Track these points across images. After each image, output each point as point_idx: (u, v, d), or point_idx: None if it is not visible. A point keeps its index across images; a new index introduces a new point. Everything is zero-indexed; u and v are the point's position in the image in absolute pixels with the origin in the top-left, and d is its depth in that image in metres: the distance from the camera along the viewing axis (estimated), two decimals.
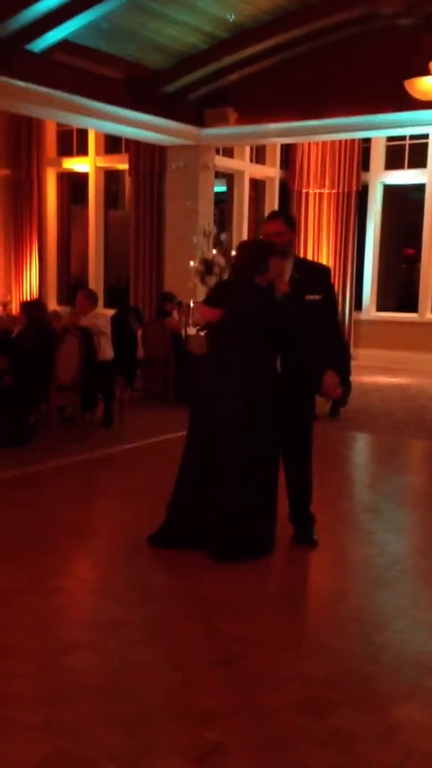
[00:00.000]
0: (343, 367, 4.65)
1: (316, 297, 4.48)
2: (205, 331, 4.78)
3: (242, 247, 4.88)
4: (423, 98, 9.24)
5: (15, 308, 12.95)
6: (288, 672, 3.25)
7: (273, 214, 4.82)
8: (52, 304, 13.92)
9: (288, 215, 4.87)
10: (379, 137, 13.19)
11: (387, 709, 2.98)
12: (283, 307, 4.46)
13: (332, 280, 5.01)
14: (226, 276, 10.56)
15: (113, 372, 8.02)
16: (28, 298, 13.31)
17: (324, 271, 4.91)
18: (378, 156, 13.68)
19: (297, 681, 3.18)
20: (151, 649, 3.40)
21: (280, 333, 4.43)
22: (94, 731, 2.80)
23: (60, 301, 14.41)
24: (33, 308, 7.65)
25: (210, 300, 4.64)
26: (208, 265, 10.45)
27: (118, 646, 3.43)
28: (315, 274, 4.64)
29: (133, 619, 3.70)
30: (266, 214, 14.36)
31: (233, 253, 11.83)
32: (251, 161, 13.97)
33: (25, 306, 7.80)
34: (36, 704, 2.95)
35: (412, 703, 3.04)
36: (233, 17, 9.71)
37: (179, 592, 4.09)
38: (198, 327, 4.59)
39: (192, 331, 9.79)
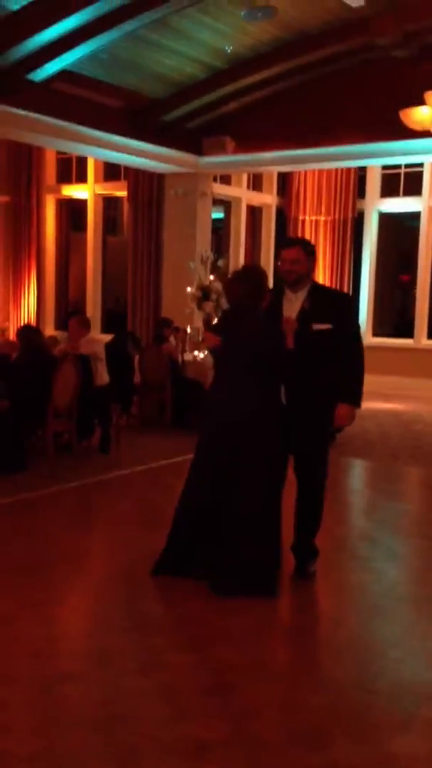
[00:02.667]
0: (355, 396, 4.49)
1: (324, 326, 4.35)
2: (213, 357, 4.71)
3: (237, 277, 4.65)
4: (418, 128, 9.34)
5: (13, 334, 12.98)
6: (283, 701, 3.24)
7: (291, 241, 4.59)
8: (50, 330, 13.96)
9: (307, 243, 4.63)
10: (374, 166, 13.33)
11: (384, 740, 2.97)
12: (271, 335, 4.36)
13: (351, 309, 4.79)
14: (222, 302, 10.63)
15: (110, 397, 8.03)
16: (24, 324, 13.34)
17: (340, 299, 4.78)
18: (374, 184, 13.81)
19: (293, 711, 3.16)
20: (145, 679, 3.38)
21: (266, 361, 4.37)
22: (88, 762, 2.78)
23: (58, 327, 14.45)
24: (27, 334, 7.67)
25: (215, 328, 4.64)
26: (205, 291, 10.50)
27: (112, 675, 3.41)
28: (329, 303, 4.46)
29: (127, 648, 3.68)
30: (263, 240, 14.56)
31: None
32: (248, 188, 14.10)
33: (20, 332, 7.83)
34: (29, 735, 2.93)
35: (409, 733, 3.02)
36: (231, 48, 9.85)
37: (173, 620, 4.07)
38: (209, 350, 4.59)
39: (189, 356, 9.82)
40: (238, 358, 4.40)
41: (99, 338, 9.07)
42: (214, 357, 4.65)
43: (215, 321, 5.04)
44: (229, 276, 5.03)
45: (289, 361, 4.35)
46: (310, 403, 4.44)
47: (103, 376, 8.03)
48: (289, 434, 4.43)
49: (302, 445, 4.51)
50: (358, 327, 4.68)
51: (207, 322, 10.44)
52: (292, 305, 4.47)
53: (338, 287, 13.60)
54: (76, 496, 6.50)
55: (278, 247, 4.81)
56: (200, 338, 9.95)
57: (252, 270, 4.74)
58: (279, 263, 4.56)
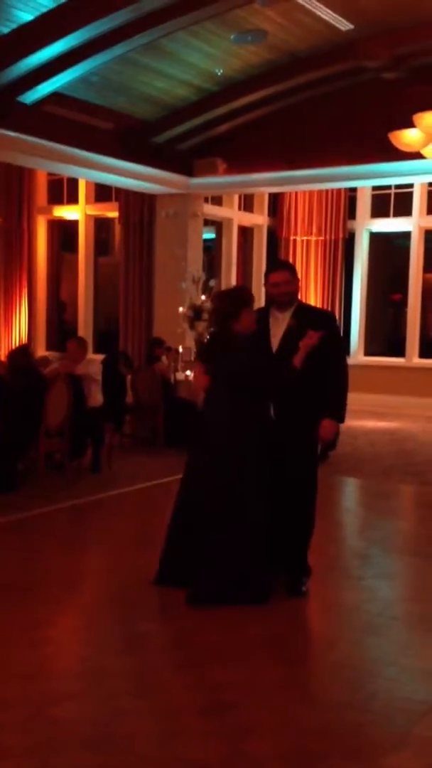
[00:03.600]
0: (340, 411, 4.59)
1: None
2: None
3: (216, 297, 4.98)
4: (407, 150, 9.44)
5: (3, 355, 12.97)
6: (278, 721, 3.22)
7: (280, 265, 4.79)
8: (41, 350, 13.96)
9: (292, 266, 4.85)
10: (365, 186, 13.45)
11: (377, 759, 2.95)
12: (250, 357, 4.46)
13: (336, 327, 4.92)
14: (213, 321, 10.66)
15: (102, 418, 8.02)
16: (16, 345, 13.35)
17: (325, 317, 4.90)
18: (364, 204, 13.93)
19: (287, 730, 3.14)
20: (140, 699, 3.37)
21: (247, 383, 4.44)
22: None
23: (49, 347, 14.45)
24: (16, 355, 7.68)
25: (201, 356, 4.73)
26: (196, 311, 10.54)
27: (106, 696, 3.39)
28: (314, 322, 4.55)
29: (121, 669, 3.66)
30: (254, 260, 14.63)
31: None
32: (240, 209, 14.19)
33: (10, 353, 7.86)
34: (25, 756, 2.91)
35: (403, 752, 3.01)
36: (222, 72, 9.96)
37: (168, 640, 4.06)
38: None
39: (181, 376, 9.83)
40: (226, 379, 4.49)
41: (94, 358, 9.08)
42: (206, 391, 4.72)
43: (200, 349, 5.12)
44: (214, 294, 5.31)
45: (291, 379, 4.41)
46: (299, 419, 4.52)
47: (96, 398, 8.02)
48: (279, 450, 4.49)
49: (292, 461, 4.56)
50: (342, 345, 4.86)
51: (199, 342, 10.47)
52: (279, 324, 4.59)
53: (330, 307, 13.67)
54: (68, 516, 6.48)
55: (268, 268, 4.86)
56: (191, 367, 9.94)
57: (232, 288, 4.95)
58: (269, 286, 4.65)
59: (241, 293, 4.67)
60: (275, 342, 4.56)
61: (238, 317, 4.48)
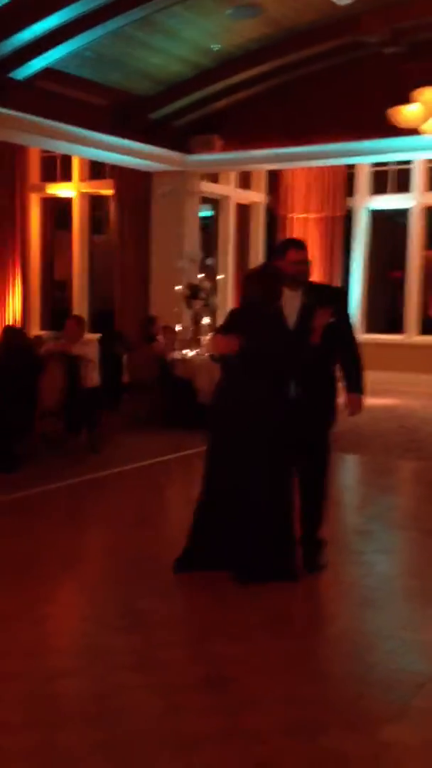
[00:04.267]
0: (361, 384, 4.67)
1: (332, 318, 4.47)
2: (219, 361, 4.71)
3: (253, 277, 4.69)
4: (406, 126, 9.35)
5: None
6: (277, 694, 3.23)
7: (298, 243, 4.71)
8: (36, 330, 13.89)
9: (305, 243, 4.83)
10: (363, 163, 13.34)
11: (376, 730, 2.96)
12: (291, 335, 4.47)
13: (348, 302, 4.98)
14: (211, 300, 10.60)
15: (99, 398, 7.99)
16: (8, 324, 13.26)
17: (339, 293, 4.98)
18: (363, 181, 13.82)
19: (286, 703, 3.15)
20: (140, 675, 3.37)
21: (287, 361, 4.45)
22: (83, 757, 2.77)
23: (44, 327, 14.39)
24: (10, 334, 7.63)
25: (223, 331, 4.60)
26: (194, 290, 10.48)
27: (107, 671, 3.40)
28: (327, 298, 4.60)
29: (122, 645, 3.66)
30: (252, 238, 14.49)
31: (220, 277, 11.94)
32: (237, 187, 14.08)
33: (3, 332, 7.79)
34: (27, 730, 2.92)
35: (402, 723, 3.02)
36: (218, 47, 9.83)
37: (168, 617, 4.06)
38: (212, 356, 4.59)
39: (178, 355, 9.79)
40: (254, 356, 4.41)
41: (90, 338, 9.03)
42: (223, 359, 4.60)
43: (222, 322, 4.96)
44: (246, 274, 5.13)
45: (312, 357, 4.41)
46: (317, 394, 4.55)
47: (93, 379, 7.97)
48: (297, 426, 4.48)
49: (310, 436, 4.59)
50: (352, 319, 4.91)
51: (196, 321, 10.42)
52: (291, 303, 4.54)
53: (329, 284, 13.61)
54: (66, 496, 6.48)
55: (273, 246, 4.82)
56: (188, 346, 9.88)
57: (267, 270, 4.74)
58: (287, 264, 4.56)
59: (274, 275, 4.54)
60: (291, 320, 4.53)
61: (276, 301, 4.44)
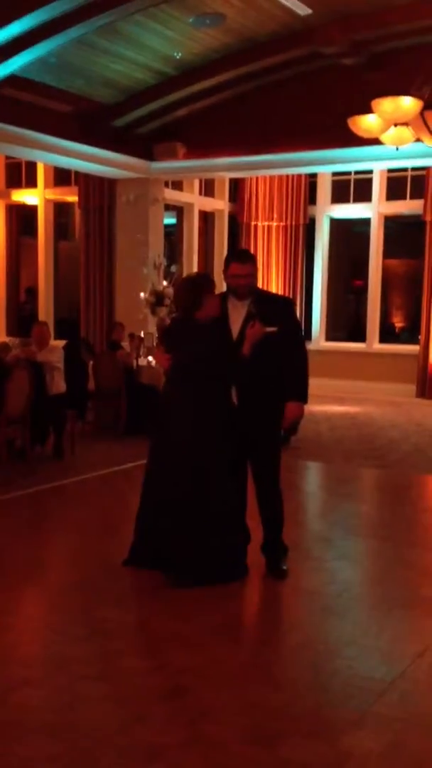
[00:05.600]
0: (303, 392, 4.71)
1: (272, 329, 4.52)
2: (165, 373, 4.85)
3: (178, 285, 5.01)
4: (366, 135, 9.45)
5: None
6: (237, 703, 3.25)
7: (244, 256, 4.76)
8: (1, 336, 13.79)
9: (253, 256, 4.86)
10: (325, 172, 13.48)
11: (337, 737, 3.00)
12: (220, 345, 4.53)
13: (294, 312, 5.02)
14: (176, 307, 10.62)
15: (64, 405, 7.97)
16: None
17: (283, 302, 5.05)
18: (324, 190, 13.97)
19: (247, 712, 3.17)
20: (100, 685, 3.37)
21: (214, 367, 4.52)
22: None
23: (9, 333, 14.29)
24: None
25: (162, 342, 4.75)
26: (158, 297, 10.50)
27: (67, 682, 3.39)
28: (274, 307, 4.70)
29: (82, 655, 3.66)
30: (216, 245, 14.55)
31: None
32: (200, 194, 14.14)
33: None
34: None
35: (362, 730, 3.06)
36: (180, 55, 9.88)
37: (127, 626, 4.06)
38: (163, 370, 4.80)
39: (143, 362, 9.79)
40: (189, 366, 4.55)
41: (56, 344, 9.00)
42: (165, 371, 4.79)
43: (162, 333, 5.16)
44: (178, 282, 5.30)
45: (242, 366, 4.50)
46: (260, 403, 4.61)
47: (59, 385, 7.96)
48: (242, 434, 4.59)
49: (256, 444, 4.67)
50: (300, 328, 5.00)
51: (161, 327, 10.43)
52: (238, 311, 4.63)
53: (291, 293, 13.73)
54: (29, 503, 6.44)
55: (230, 257, 4.87)
56: (153, 353, 9.90)
57: (194, 276, 4.95)
58: (229, 277, 4.65)
59: (203, 280, 4.69)
60: (235, 329, 4.60)
61: (200, 305, 4.51)
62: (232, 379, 4.58)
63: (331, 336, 14.20)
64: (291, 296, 13.70)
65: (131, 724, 3.06)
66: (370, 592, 4.66)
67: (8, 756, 2.82)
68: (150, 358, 9.83)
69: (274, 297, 5.49)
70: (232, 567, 4.56)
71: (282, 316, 4.65)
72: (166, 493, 4.53)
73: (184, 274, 13.01)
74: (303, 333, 4.86)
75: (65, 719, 3.08)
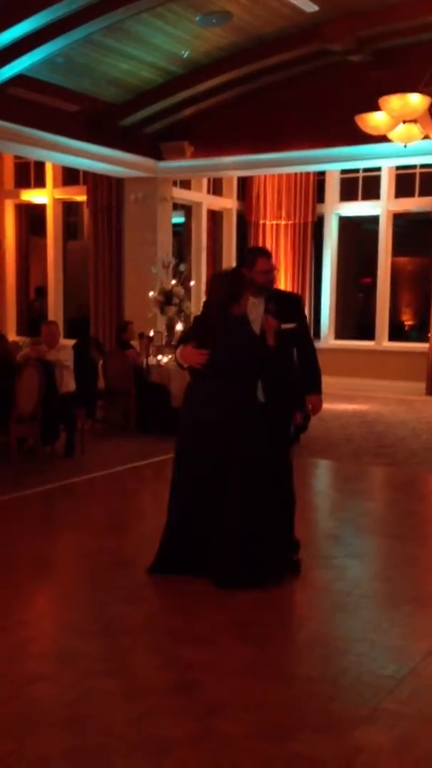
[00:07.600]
0: (319, 385, 4.85)
1: (291, 325, 4.62)
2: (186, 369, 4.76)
3: (215, 279, 4.91)
4: (374, 133, 9.44)
5: None
6: (248, 698, 3.26)
7: (268, 253, 4.85)
8: (12, 335, 13.83)
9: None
10: (333, 170, 13.47)
11: (347, 733, 3.01)
12: (257, 339, 4.55)
13: (303, 308, 5.17)
14: (185, 306, 10.64)
15: (74, 403, 8.00)
16: None
17: (297, 300, 5.19)
18: (332, 188, 13.95)
19: (256, 707, 3.19)
20: (111, 680, 3.39)
21: (255, 364, 4.53)
22: (57, 763, 2.78)
23: (20, 332, 14.35)
24: None
25: (189, 338, 4.63)
26: (167, 296, 10.52)
27: (79, 677, 3.41)
28: (288, 304, 4.80)
29: (93, 651, 3.68)
30: (224, 244, 14.54)
31: (192, 283, 11.97)
32: (209, 193, 14.14)
33: None
34: (0, 737, 2.93)
35: (372, 726, 3.07)
36: (187, 54, 9.89)
37: (139, 622, 4.08)
38: (179, 365, 4.63)
39: (153, 361, 9.81)
40: (221, 362, 4.47)
41: (65, 344, 9.03)
42: (191, 367, 4.62)
43: (184, 331, 5.06)
44: (213, 275, 5.30)
45: (272, 360, 4.54)
46: (282, 398, 4.68)
47: (68, 384, 8.00)
48: (267, 428, 4.60)
49: (274, 441, 4.67)
50: (307, 323, 5.16)
51: (170, 327, 10.45)
52: (256, 309, 4.67)
53: (300, 291, 13.72)
54: (40, 501, 6.47)
55: (243, 253, 4.94)
56: (163, 352, 9.89)
57: (234, 272, 4.83)
58: (257, 273, 4.66)
59: (242, 276, 4.62)
60: (255, 327, 4.63)
61: (238, 300, 4.50)
62: (264, 373, 4.58)
63: (340, 334, 14.18)
64: (296, 293, 13.70)
65: (142, 719, 3.08)
66: (380, 589, 4.67)
67: (22, 750, 2.85)
68: (160, 357, 9.85)
69: (286, 294, 5.58)
70: (274, 571, 4.52)
71: (295, 312, 4.77)
72: (206, 497, 4.44)
73: (193, 274, 13.06)
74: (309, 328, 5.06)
75: (77, 713, 3.11)
